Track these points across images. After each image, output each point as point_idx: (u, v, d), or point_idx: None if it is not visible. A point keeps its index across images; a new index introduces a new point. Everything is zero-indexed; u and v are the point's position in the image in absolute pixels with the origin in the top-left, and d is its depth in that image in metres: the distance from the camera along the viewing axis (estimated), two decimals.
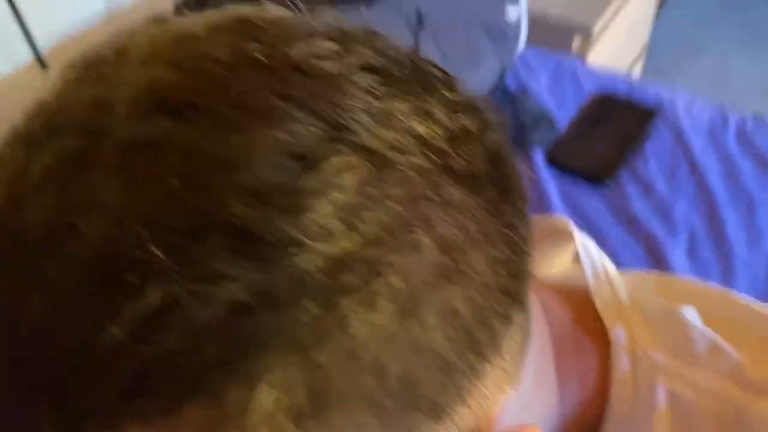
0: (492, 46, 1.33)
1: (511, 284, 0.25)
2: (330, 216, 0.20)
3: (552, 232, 0.42)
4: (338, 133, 0.21)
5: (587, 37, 1.60)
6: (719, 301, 0.39)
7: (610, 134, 1.32)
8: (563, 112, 1.37)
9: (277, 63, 0.23)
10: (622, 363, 0.35)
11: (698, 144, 1.30)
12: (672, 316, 0.37)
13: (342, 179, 0.21)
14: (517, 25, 1.38)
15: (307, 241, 0.20)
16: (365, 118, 0.22)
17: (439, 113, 0.24)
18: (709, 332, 0.36)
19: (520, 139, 1.27)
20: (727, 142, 1.30)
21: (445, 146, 0.23)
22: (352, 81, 0.23)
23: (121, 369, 0.20)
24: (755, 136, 1.30)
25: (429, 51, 0.29)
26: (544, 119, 1.32)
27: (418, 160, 0.22)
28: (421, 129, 0.23)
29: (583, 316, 0.37)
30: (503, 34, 1.35)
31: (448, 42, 1.26)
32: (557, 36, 1.60)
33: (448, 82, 0.25)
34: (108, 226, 0.20)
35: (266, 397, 0.20)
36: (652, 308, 0.37)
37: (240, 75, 0.22)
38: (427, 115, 0.23)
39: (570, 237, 0.41)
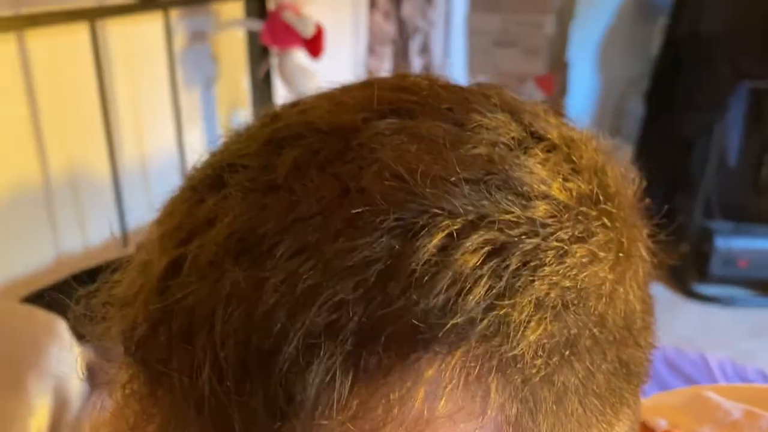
0: None
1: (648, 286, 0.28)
2: (549, 178, 0.24)
3: None
4: (530, 126, 0.26)
5: None
6: (728, 388, 0.42)
7: None
8: None
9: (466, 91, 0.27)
10: None
11: None
12: (700, 398, 0.40)
13: (549, 157, 0.25)
14: None
15: (542, 188, 0.24)
16: (544, 121, 0.27)
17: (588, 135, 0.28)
18: (738, 404, 0.38)
19: None
20: (657, 368, 1.36)
21: (601, 156, 0.28)
22: (527, 105, 0.27)
23: (426, 294, 0.20)
24: (680, 362, 1.38)
25: None
26: None
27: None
28: (578, 138, 0.27)
29: None
30: None
31: None
32: None
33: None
34: (391, 180, 0.22)
35: (534, 329, 0.22)
36: (679, 398, 0.41)
37: (441, 92, 0.26)
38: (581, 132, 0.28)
39: None
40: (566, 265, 0.23)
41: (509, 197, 0.23)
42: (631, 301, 0.26)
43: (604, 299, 0.24)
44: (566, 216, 0.24)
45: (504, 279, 0.21)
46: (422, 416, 0.21)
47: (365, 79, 0.28)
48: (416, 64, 2.70)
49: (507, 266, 0.21)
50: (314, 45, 1.51)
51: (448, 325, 0.20)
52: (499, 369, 0.21)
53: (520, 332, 0.21)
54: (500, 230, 0.22)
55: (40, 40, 1.13)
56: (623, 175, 0.29)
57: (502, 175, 0.23)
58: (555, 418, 0.23)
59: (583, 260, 0.23)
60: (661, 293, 2.74)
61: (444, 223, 0.21)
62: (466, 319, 0.21)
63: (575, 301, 0.23)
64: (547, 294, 0.22)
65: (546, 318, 0.22)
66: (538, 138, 0.26)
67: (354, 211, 0.21)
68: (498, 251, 0.22)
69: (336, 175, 0.22)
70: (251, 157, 0.24)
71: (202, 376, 0.20)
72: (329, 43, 2.05)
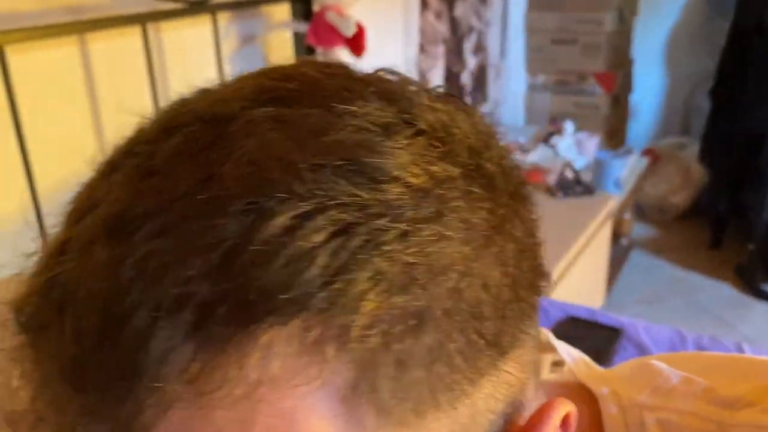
0: None
1: (536, 264, 0.30)
2: (409, 162, 0.25)
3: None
4: (406, 113, 0.27)
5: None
6: (684, 357, 0.44)
7: (582, 350, 1.36)
8: None
9: (352, 75, 0.29)
10: (609, 409, 0.39)
11: None
12: (644, 366, 0.42)
13: (414, 141, 0.26)
14: None
15: (396, 173, 0.24)
16: (424, 106, 0.27)
17: (479, 123, 0.29)
18: (678, 371, 0.40)
19: None
20: None
21: (482, 138, 0.28)
22: (410, 90, 0.28)
23: (264, 270, 0.22)
24: (712, 350, 1.37)
25: None
26: None
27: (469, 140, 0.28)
28: (461, 122, 0.28)
29: (570, 386, 0.42)
30: None
31: None
32: None
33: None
34: (248, 166, 0.24)
35: (371, 301, 0.23)
36: (627, 369, 0.42)
37: (323, 81, 0.28)
38: (464, 115, 0.29)
39: (550, 348, 0.45)
40: (410, 243, 0.24)
41: (360, 181, 0.24)
42: (493, 276, 0.26)
43: (457, 275, 0.25)
44: (419, 197, 0.24)
45: (343, 256, 0.23)
46: (257, 379, 0.22)
47: (262, 68, 0.30)
48: (470, 63, 2.72)
49: (348, 245, 0.23)
50: (356, 44, 1.57)
51: (283, 298, 0.22)
52: (336, 337, 0.23)
53: (356, 305, 0.23)
54: (346, 212, 0.23)
55: (99, 43, 1.24)
56: (507, 159, 0.30)
57: (358, 160, 0.24)
58: (397, 385, 0.24)
59: (432, 239, 0.24)
60: (728, 292, 2.67)
61: (291, 206, 0.23)
62: (301, 293, 0.22)
63: (422, 277, 0.24)
64: (389, 270, 0.23)
65: (387, 292, 0.23)
66: (409, 124, 0.26)
67: (211, 195, 0.23)
68: (341, 231, 0.23)
69: (205, 161, 0.24)
70: (144, 144, 0.26)
71: (67, 343, 0.23)
72: (379, 43, 2.11)
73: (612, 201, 2.07)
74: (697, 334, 1.42)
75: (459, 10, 2.55)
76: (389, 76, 0.29)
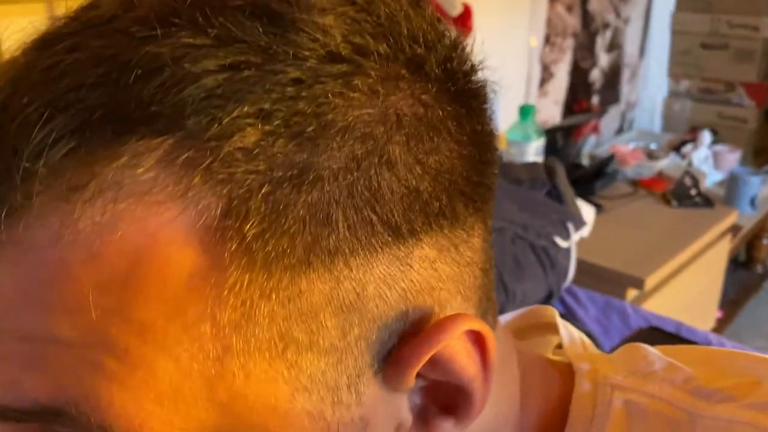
0: (539, 267, 1.39)
1: (475, 179, 0.29)
2: (331, 24, 0.25)
3: (538, 323, 0.46)
4: None
5: (641, 290, 1.59)
6: (684, 348, 0.41)
7: None
8: (608, 341, 1.36)
9: None
10: (582, 385, 0.38)
11: None
12: (633, 348, 0.40)
13: (343, 8, 0.25)
14: (566, 255, 1.44)
15: (310, 29, 0.24)
16: None
17: (430, 16, 0.28)
18: (667, 357, 0.38)
19: None
20: None
21: (432, 35, 0.27)
22: None
23: (146, 85, 0.23)
24: None
25: None
26: (587, 336, 1.33)
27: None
28: (412, 12, 0.27)
29: (556, 363, 0.41)
30: (552, 260, 1.40)
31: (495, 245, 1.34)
32: (611, 286, 1.60)
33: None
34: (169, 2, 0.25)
35: (250, 135, 0.23)
36: (617, 353, 0.41)
37: None
38: (421, 11, 0.28)
39: (555, 327, 0.44)
40: (307, 92, 0.23)
41: (270, 29, 0.24)
42: (405, 160, 0.26)
43: (355, 142, 0.24)
44: (329, 57, 0.24)
45: (228, 87, 0.23)
46: (121, 183, 0.23)
47: None
48: (602, 60, 2.61)
49: (236, 77, 0.23)
50: (462, 24, 1.56)
51: (156, 112, 0.23)
52: (206, 165, 0.23)
53: (232, 134, 0.23)
54: (246, 51, 0.23)
55: None
56: (462, 63, 0.29)
57: (273, 9, 0.24)
58: (267, 229, 0.23)
59: (332, 96, 0.24)
60: None
61: (188, 35, 0.23)
62: (176, 112, 0.22)
63: (313, 130, 0.24)
64: (275, 111, 0.23)
65: (272, 134, 0.23)
66: None
67: (123, 23, 0.24)
68: (234, 65, 0.23)
69: None
70: None
71: None
72: (503, 29, 2.08)
73: (732, 217, 1.91)
74: None
75: (593, 4, 2.46)
76: None
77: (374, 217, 0.25)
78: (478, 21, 1.63)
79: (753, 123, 2.84)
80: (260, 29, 0.24)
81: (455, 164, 0.28)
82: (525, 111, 1.90)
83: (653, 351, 0.39)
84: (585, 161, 2.26)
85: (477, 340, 0.28)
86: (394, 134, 0.25)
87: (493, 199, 0.32)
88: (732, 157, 2.49)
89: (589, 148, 2.38)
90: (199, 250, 0.23)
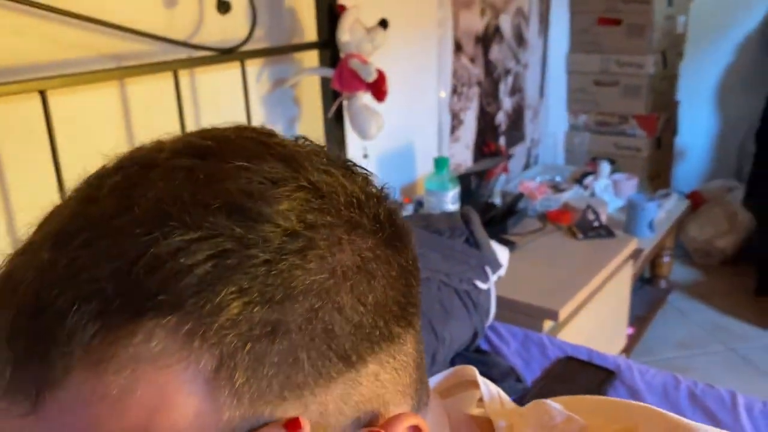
0: (464, 310, 1.51)
1: (404, 302, 0.36)
2: (286, 209, 0.31)
3: (461, 382, 0.54)
4: (296, 172, 0.33)
5: (556, 321, 1.72)
6: (578, 399, 0.50)
7: (573, 390, 1.39)
8: (529, 373, 1.49)
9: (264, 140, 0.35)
10: None
11: (652, 402, 1.37)
12: (540, 405, 0.48)
13: (296, 194, 0.32)
14: (487, 296, 1.57)
15: (271, 216, 0.31)
16: (315, 168, 0.34)
17: (360, 181, 0.36)
18: (566, 411, 0.47)
19: None
20: (679, 400, 1.40)
21: (362, 197, 0.35)
22: (309, 156, 0.35)
23: (150, 278, 0.29)
24: (705, 398, 1.39)
25: None
26: (512, 373, 1.46)
27: (344, 198, 0.34)
28: (347, 183, 0.35)
29: (479, 420, 0.49)
30: (474, 302, 1.53)
31: (423, 294, 1.42)
32: (529, 319, 1.72)
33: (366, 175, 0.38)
34: (155, 202, 0.31)
35: (233, 308, 0.29)
36: (527, 408, 0.49)
37: (236, 142, 0.35)
38: (353, 178, 0.36)
39: (476, 383, 0.52)
40: (273, 269, 0.30)
41: (239, 220, 0.30)
42: (350, 304, 0.32)
43: (313, 298, 0.31)
44: (288, 236, 0.31)
45: (214, 273, 0.29)
46: (139, 355, 0.29)
47: (202, 128, 0.38)
48: (506, 104, 2.77)
49: (221, 265, 0.29)
50: (377, 89, 1.67)
51: (163, 299, 0.29)
52: (202, 333, 0.29)
53: (219, 310, 0.29)
54: (225, 242, 0.30)
55: (136, 86, 1.38)
56: (389, 214, 0.36)
57: (241, 204, 0.31)
58: (251, 376, 0.29)
59: (292, 269, 0.31)
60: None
61: (181, 233, 0.29)
62: (177, 297, 0.29)
63: (279, 297, 0.30)
64: (250, 287, 0.29)
65: (249, 304, 0.29)
66: (295, 180, 0.33)
67: (125, 221, 0.30)
68: (218, 255, 0.29)
69: (129, 196, 0.31)
70: (97, 178, 0.34)
71: (8, 315, 0.30)
72: (413, 85, 2.20)
73: (633, 244, 2.09)
74: (692, 381, 1.43)
75: (495, 53, 2.61)
76: (300, 143, 0.37)
77: (330, 353, 0.32)
78: (392, 84, 1.73)
79: (646, 151, 3.07)
80: (235, 224, 0.30)
81: (388, 295, 0.35)
82: (440, 163, 2.02)
83: (555, 406, 0.48)
84: (497, 199, 2.38)
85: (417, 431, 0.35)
86: (341, 285, 0.32)
87: (419, 313, 0.39)
88: (630, 184, 2.66)
89: (500, 186, 2.50)
90: (201, 397, 0.29)
